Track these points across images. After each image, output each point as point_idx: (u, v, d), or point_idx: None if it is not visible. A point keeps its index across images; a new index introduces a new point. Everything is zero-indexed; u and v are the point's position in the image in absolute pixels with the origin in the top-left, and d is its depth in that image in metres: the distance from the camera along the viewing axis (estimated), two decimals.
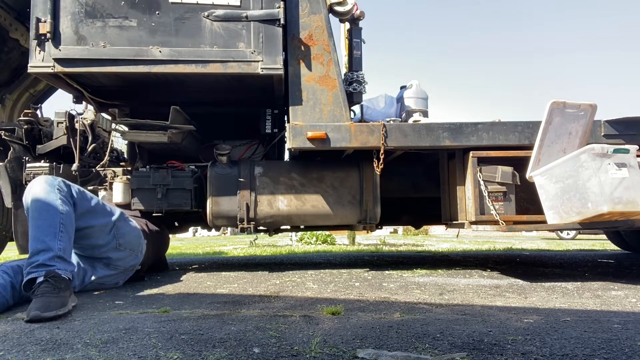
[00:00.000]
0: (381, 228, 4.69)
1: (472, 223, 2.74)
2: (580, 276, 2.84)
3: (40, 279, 1.81)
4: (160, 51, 2.63)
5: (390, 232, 17.10)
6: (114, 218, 2.40)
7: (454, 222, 2.99)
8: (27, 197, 2.05)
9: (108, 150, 3.13)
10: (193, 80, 2.84)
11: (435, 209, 3.28)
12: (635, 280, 2.61)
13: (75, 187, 2.21)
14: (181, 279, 2.83)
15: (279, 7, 2.70)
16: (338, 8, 2.93)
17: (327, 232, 8.40)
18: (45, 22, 2.57)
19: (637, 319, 1.61)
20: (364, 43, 3.09)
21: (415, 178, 3.45)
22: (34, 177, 2.96)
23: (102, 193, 3.05)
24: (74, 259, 2.22)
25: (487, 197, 2.63)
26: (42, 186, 2.06)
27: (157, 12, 2.64)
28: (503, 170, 2.64)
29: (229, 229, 12.36)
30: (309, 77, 2.82)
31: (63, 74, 2.69)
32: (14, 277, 1.95)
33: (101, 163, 3.11)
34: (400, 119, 3.11)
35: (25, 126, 3.12)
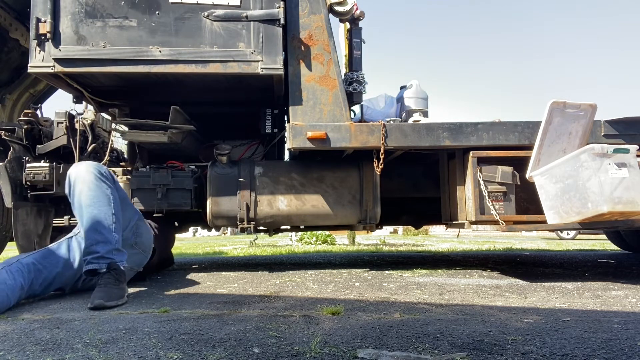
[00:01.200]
0: (381, 228, 4.69)
1: (472, 223, 2.74)
2: (580, 276, 2.84)
3: (103, 271, 2.00)
4: (160, 51, 2.63)
5: (390, 232, 17.09)
6: (136, 216, 2.46)
7: (454, 222, 2.99)
8: (77, 183, 2.11)
9: (108, 150, 3.12)
10: (193, 80, 2.84)
11: (435, 209, 3.28)
12: (635, 280, 2.61)
13: (114, 175, 2.29)
14: (181, 279, 2.83)
15: (279, 7, 2.69)
16: (338, 8, 2.93)
17: (327, 232, 8.40)
18: (45, 22, 2.57)
19: (637, 319, 1.61)
20: (364, 43, 3.10)
21: (415, 178, 3.45)
22: (34, 177, 2.96)
23: None
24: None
25: (487, 197, 2.63)
26: (93, 173, 2.13)
27: (157, 12, 2.64)
28: (503, 170, 2.64)
29: (229, 229, 12.36)
30: (309, 77, 2.82)
31: (63, 74, 2.69)
32: (27, 278, 1.95)
33: (101, 163, 3.10)
34: (400, 119, 3.11)
35: (25, 126, 3.12)
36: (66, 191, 2.18)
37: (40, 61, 2.59)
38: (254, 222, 3.02)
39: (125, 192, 2.45)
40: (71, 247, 2.20)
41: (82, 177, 2.12)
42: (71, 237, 2.26)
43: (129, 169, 3.15)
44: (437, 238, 12.12)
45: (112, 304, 1.87)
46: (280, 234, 6.99)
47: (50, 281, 2.09)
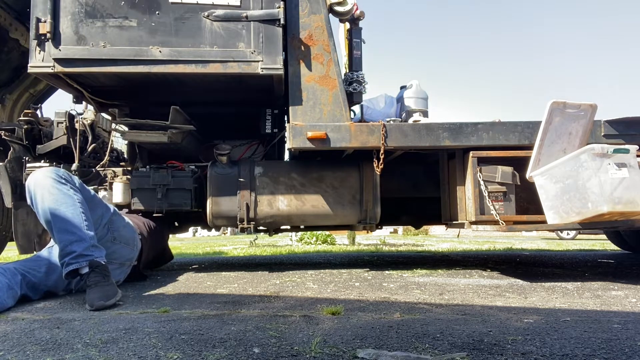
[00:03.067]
0: (381, 228, 4.69)
1: (472, 223, 2.74)
2: (580, 276, 2.84)
3: (85, 270, 1.95)
4: (160, 51, 2.63)
5: (390, 232, 17.09)
6: (109, 212, 2.42)
7: (454, 222, 2.99)
8: (36, 190, 2.05)
9: (108, 150, 3.13)
10: (193, 80, 2.84)
11: (435, 209, 3.28)
12: (635, 280, 2.61)
13: (75, 177, 2.26)
14: (181, 279, 2.83)
15: (279, 7, 2.69)
16: (338, 8, 2.93)
17: (327, 232, 8.40)
18: (45, 22, 2.57)
19: (637, 319, 1.61)
20: (364, 43, 3.10)
21: (415, 178, 3.45)
22: None
23: (102, 193, 3.05)
24: None
25: (487, 197, 2.63)
26: (51, 177, 2.08)
27: (157, 12, 2.64)
28: (503, 170, 2.64)
29: (229, 229, 12.34)
30: (309, 77, 2.82)
31: (63, 74, 2.69)
32: (12, 279, 1.96)
33: (101, 163, 3.11)
34: (400, 119, 3.11)
35: (25, 126, 3.12)
36: (28, 201, 2.12)
37: (40, 61, 2.59)
38: (254, 222, 3.02)
39: (90, 191, 2.37)
40: (52, 253, 2.19)
41: (40, 183, 2.06)
42: (52, 245, 2.26)
43: (129, 169, 3.15)
44: (437, 238, 12.12)
45: (112, 302, 1.88)
46: (280, 234, 7.00)
47: (35, 284, 2.09)
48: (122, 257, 2.46)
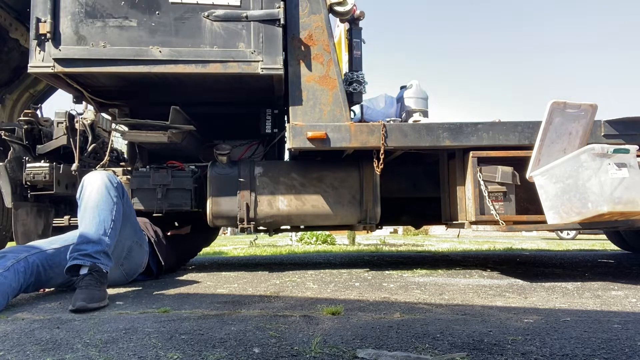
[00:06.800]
0: (381, 228, 4.69)
1: (472, 223, 2.74)
2: (580, 276, 2.84)
3: (84, 271, 1.97)
4: (160, 51, 2.62)
5: (390, 232, 17.10)
6: (134, 238, 2.49)
7: (454, 222, 2.98)
8: (87, 186, 2.19)
9: (108, 150, 3.12)
10: (193, 80, 2.84)
11: (435, 209, 3.28)
12: (635, 280, 2.61)
13: (126, 191, 2.38)
14: (181, 279, 2.83)
15: (279, 7, 2.69)
16: (338, 8, 2.93)
17: (327, 232, 8.40)
18: (45, 22, 2.57)
19: (637, 319, 1.61)
20: (364, 43, 3.10)
21: (415, 178, 3.45)
22: (34, 177, 2.96)
23: None
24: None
25: (487, 197, 2.63)
26: (104, 180, 2.21)
27: (157, 12, 2.64)
28: (503, 170, 2.64)
29: (229, 229, 12.35)
30: (309, 77, 2.82)
31: (63, 74, 2.69)
32: (27, 280, 1.99)
33: (101, 163, 3.11)
34: (400, 119, 3.11)
35: (25, 126, 3.12)
36: (77, 195, 2.25)
37: (40, 61, 2.59)
38: (254, 222, 3.01)
39: (133, 210, 2.51)
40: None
41: (93, 181, 2.20)
42: (70, 244, 2.27)
43: (129, 169, 3.15)
44: (437, 238, 12.12)
45: (94, 306, 1.83)
46: (280, 234, 6.99)
47: (42, 283, 2.14)
48: (112, 281, 2.45)
